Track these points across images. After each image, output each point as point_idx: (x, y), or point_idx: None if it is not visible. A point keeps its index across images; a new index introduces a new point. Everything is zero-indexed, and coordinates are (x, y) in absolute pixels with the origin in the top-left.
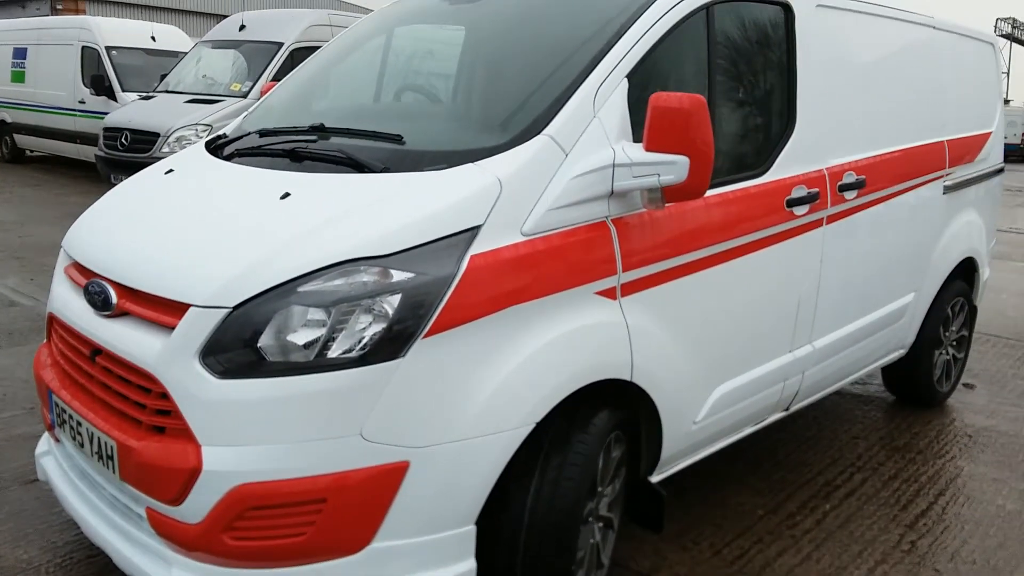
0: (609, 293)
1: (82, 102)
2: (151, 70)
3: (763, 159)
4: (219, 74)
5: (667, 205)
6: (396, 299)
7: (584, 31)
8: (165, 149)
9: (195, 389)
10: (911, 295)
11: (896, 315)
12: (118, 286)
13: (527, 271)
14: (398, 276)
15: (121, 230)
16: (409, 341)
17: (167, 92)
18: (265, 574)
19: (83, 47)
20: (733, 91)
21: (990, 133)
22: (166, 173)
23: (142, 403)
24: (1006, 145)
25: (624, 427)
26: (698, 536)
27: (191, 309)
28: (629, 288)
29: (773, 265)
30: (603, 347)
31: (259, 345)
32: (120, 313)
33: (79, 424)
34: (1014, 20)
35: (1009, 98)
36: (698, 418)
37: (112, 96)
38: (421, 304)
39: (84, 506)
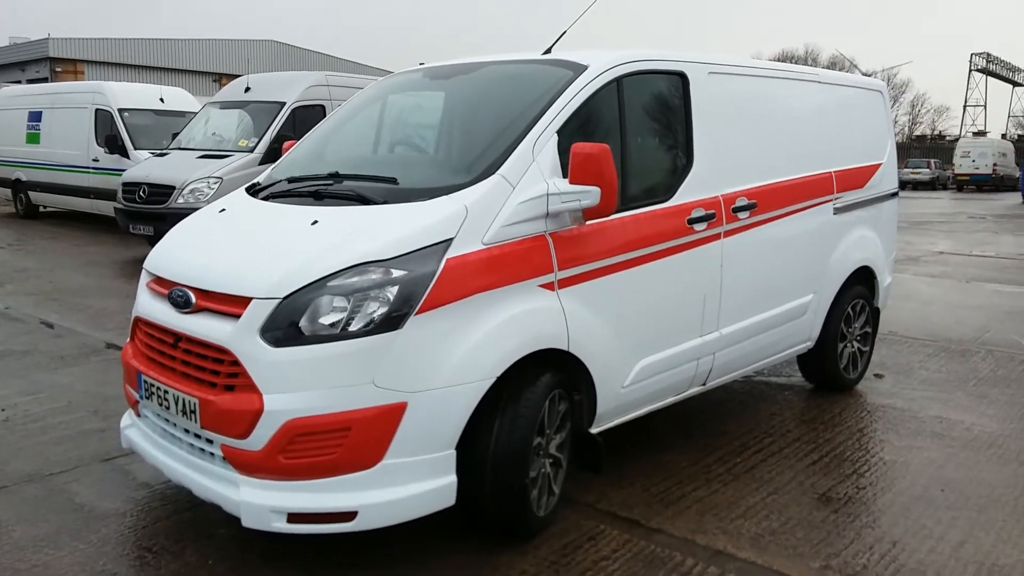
0: (549, 286)
1: (96, 160)
2: (160, 129)
3: (668, 189)
4: (227, 131)
5: (588, 223)
6: (395, 289)
7: (526, 98)
8: (180, 200)
9: (258, 356)
10: (811, 295)
11: (798, 311)
12: (196, 290)
13: (487, 270)
14: (396, 273)
15: (193, 251)
16: (405, 318)
17: (179, 149)
18: (306, 484)
19: (96, 109)
20: (642, 138)
21: (880, 164)
22: (220, 212)
23: (217, 370)
24: (977, 175)
25: (566, 387)
26: (631, 480)
27: (253, 301)
28: (564, 283)
29: (680, 268)
30: (545, 324)
31: (300, 324)
32: (198, 309)
33: (165, 392)
34: (988, 55)
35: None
36: (625, 384)
37: (125, 154)
38: (412, 292)
39: (167, 457)
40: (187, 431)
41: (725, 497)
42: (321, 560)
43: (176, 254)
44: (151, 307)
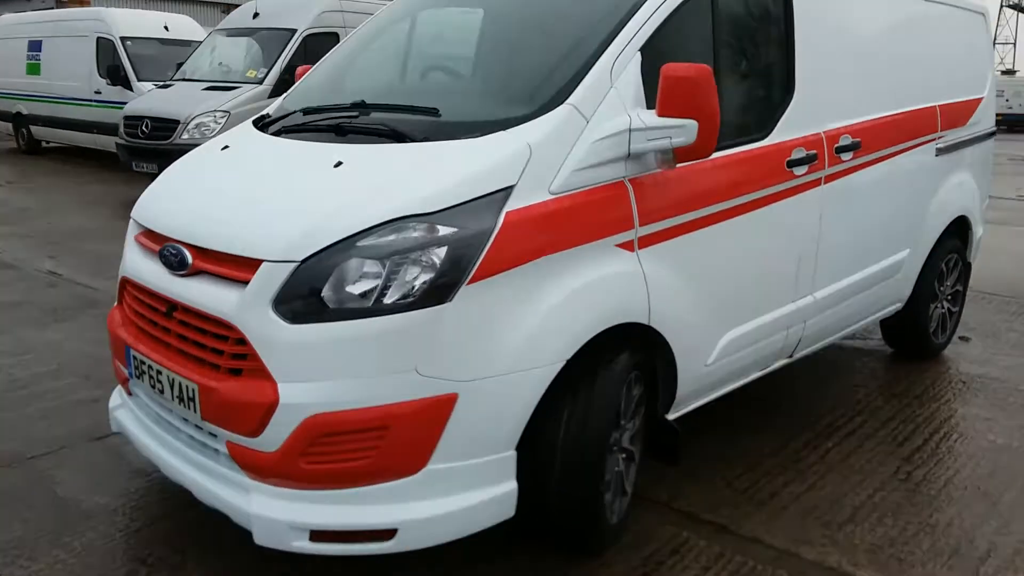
0: (628, 246)
1: (98, 92)
2: (165, 59)
3: (765, 124)
4: (234, 62)
5: (678, 166)
6: (443, 251)
7: (599, 7)
8: (185, 136)
9: (270, 334)
10: (906, 251)
11: (892, 269)
12: (192, 248)
13: (555, 226)
14: (444, 231)
15: (190, 199)
16: (455, 287)
17: (184, 80)
18: (333, 495)
19: (98, 38)
20: (736, 62)
21: (981, 98)
22: (222, 149)
23: (220, 349)
24: (1010, 115)
25: (643, 369)
26: (711, 472)
27: (264, 264)
28: (645, 241)
29: (775, 221)
30: (623, 294)
31: (323, 295)
32: (195, 272)
33: (159, 373)
34: None
35: (1015, 68)
36: (709, 361)
37: (128, 86)
38: (464, 255)
39: (162, 449)
40: (186, 420)
41: (824, 494)
42: (354, 573)
43: (169, 202)
44: (140, 266)
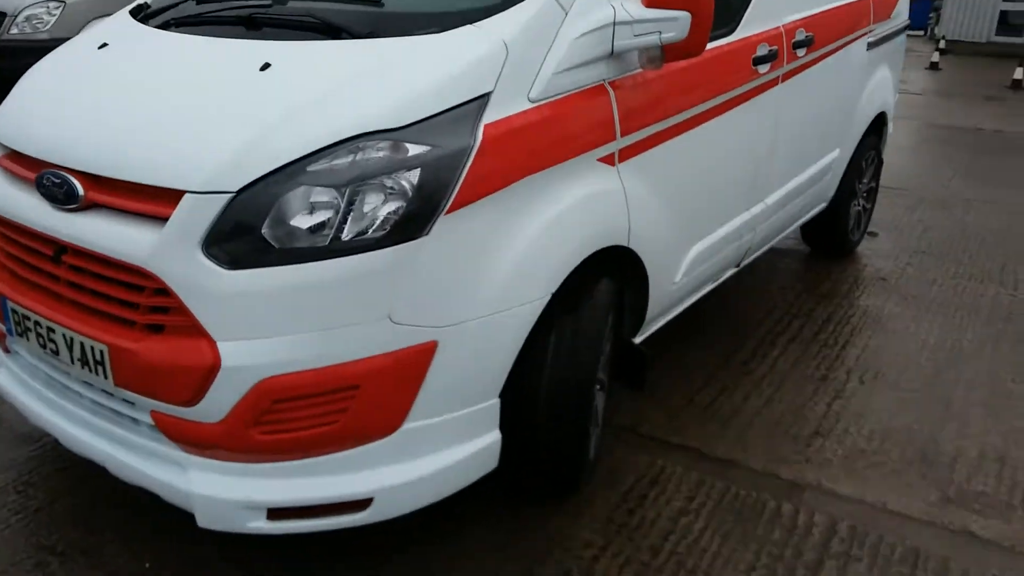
0: (608, 160)
1: None
2: None
3: (732, 17)
4: None
5: (664, 66)
6: (415, 174)
7: None
8: (14, 31)
9: (202, 283)
10: (837, 150)
11: (825, 170)
12: (82, 176)
13: (537, 140)
14: (414, 150)
15: (71, 113)
16: (431, 218)
17: None
18: (294, 466)
19: None
20: None
21: None
22: (100, 48)
23: (133, 302)
24: None
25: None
26: (667, 391)
27: (186, 196)
28: (626, 153)
29: (741, 124)
30: (606, 214)
31: (264, 232)
32: (88, 205)
33: (51, 331)
34: None
35: None
36: (676, 279)
37: None
38: (440, 179)
39: (59, 417)
40: (89, 385)
41: (784, 407)
42: (311, 543)
43: (40, 117)
44: (11, 199)
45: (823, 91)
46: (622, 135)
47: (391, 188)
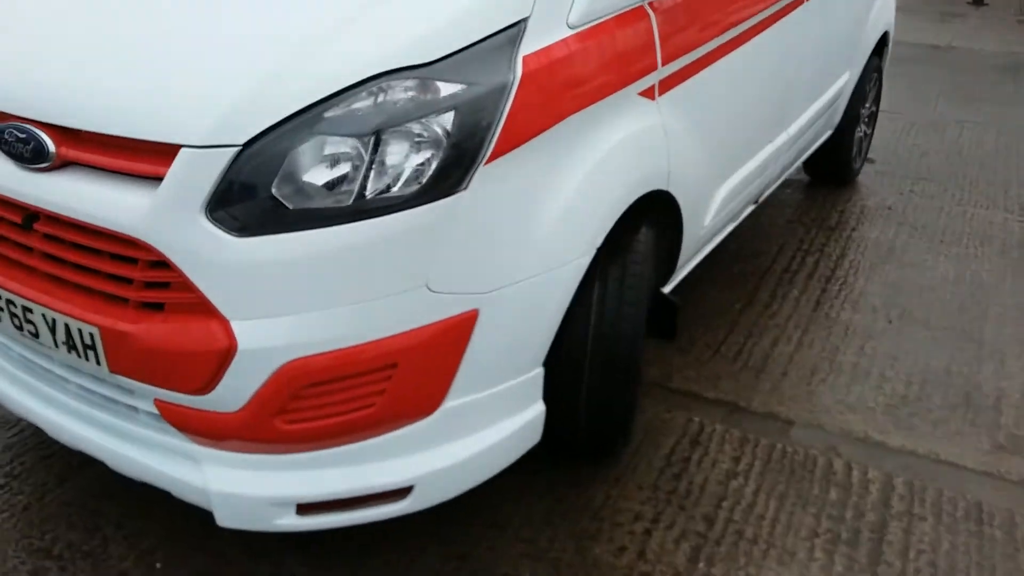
0: (649, 93)
1: None
2: None
3: None
4: None
5: None
6: (449, 118)
7: None
8: None
9: (208, 253)
10: (847, 73)
11: (837, 95)
12: (53, 129)
13: (579, 73)
14: (447, 89)
15: (31, 55)
16: (470, 169)
17: None
18: (325, 456)
19: None
20: None
21: None
22: None
23: (126, 276)
24: None
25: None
26: (691, 339)
27: (183, 151)
28: (666, 84)
29: (772, 48)
30: (648, 156)
31: (275, 191)
32: (61, 164)
33: (28, 311)
34: None
35: None
36: (706, 222)
37: None
38: (479, 122)
39: (43, 406)
40: (76, 370)
41: (816, 352)
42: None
43: None
44: None
45: (840, 9)
46: (663, 63)
47: (421, 135)
